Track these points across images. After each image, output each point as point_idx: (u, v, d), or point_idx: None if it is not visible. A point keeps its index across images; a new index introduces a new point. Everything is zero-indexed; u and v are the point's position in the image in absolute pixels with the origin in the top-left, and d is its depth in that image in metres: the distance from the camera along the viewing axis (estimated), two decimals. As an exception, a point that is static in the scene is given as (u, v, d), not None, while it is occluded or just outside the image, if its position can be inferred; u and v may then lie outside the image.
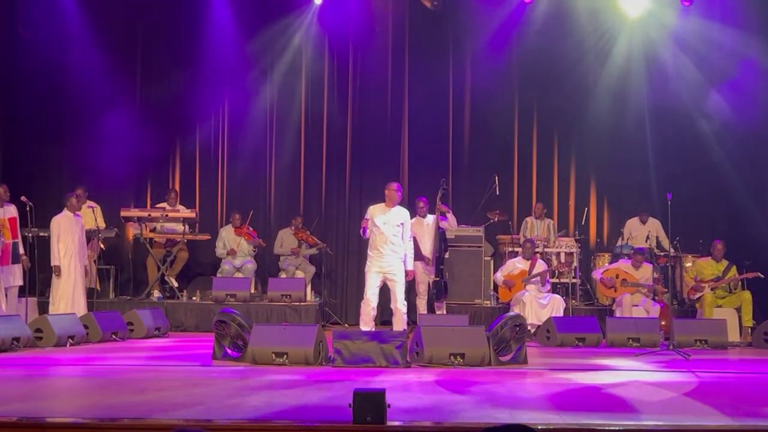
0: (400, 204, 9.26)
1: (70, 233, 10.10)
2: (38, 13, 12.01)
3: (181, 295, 11.58)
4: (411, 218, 9.72)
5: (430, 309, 10.74)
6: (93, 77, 12.20)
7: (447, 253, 10.85)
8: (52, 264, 10.04)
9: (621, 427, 4.98)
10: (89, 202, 11.35)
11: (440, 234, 10.68)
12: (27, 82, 12.02)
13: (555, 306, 10.45)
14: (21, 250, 9.94)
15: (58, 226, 10.06)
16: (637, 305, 10.58)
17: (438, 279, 10.61)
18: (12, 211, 9.89)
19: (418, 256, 10.28)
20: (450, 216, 11.00)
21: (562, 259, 11.65)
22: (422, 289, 10.73)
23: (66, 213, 10.16)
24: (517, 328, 7.89)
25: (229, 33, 12.67)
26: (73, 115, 12.49)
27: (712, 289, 10.66)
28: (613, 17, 12.67)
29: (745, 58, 11.91)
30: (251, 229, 11.78)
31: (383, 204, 9.15)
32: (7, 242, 9.61)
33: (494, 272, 11.30)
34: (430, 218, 10.75)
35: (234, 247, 11.77)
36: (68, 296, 10.03)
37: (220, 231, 11.99)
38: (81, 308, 10.03)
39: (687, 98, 12.22)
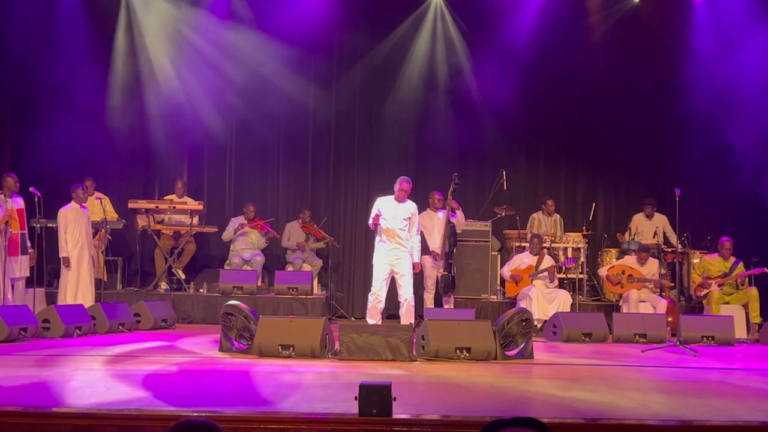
0: (408, 197, 9.27)
1: (78, 225, 10.15)
2: (43, 4, 12.01)
3: (188, 287, 11.59)
4: (422, 211, 9.69)
5: (438, 303, 10.75)
6: (100, 69, 12.21)
7: (455, 248, 10.85)
8: (60, 256, 10.10)
9: (629, 422, 4.98)
10: (98, 194, 11.39)
11: (450, 229, 10.67)
12: (35, 73, 12.00)
13: (562, 301, 10.44)
14: (28, 242, 9.97)
15: (65, 218, 10.11)
16: (643, 301, 10.55)
17: (446, 273, 10.62)
18: (20, 201, 9.91)
19: (426, 250, 10.28)
20: (459, 213, 10.96)
21: (569, 255, 11.63)
22: (430, 283, 10.75)
23: (73, 205, 10.20)
24: (524, 323, 7.90)
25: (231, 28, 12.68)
26: (81, 105, 12.46)
27: (719, 286, 10.62)
28: (622, 10, 12.63)
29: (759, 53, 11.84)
30: (264, 221, 11.77)
31: (391, 197, 9.17)
32: (15, 233, 9.63)
33: (501, 267, 11.29)
34: (442, 213, 10.74)
35: (246, 238, 11.79)
36: (77, 287, 10.09)
37: (231, 220, 11.99)
38: (89, 299, 10.08)
39: (697, 94, 12.16)
